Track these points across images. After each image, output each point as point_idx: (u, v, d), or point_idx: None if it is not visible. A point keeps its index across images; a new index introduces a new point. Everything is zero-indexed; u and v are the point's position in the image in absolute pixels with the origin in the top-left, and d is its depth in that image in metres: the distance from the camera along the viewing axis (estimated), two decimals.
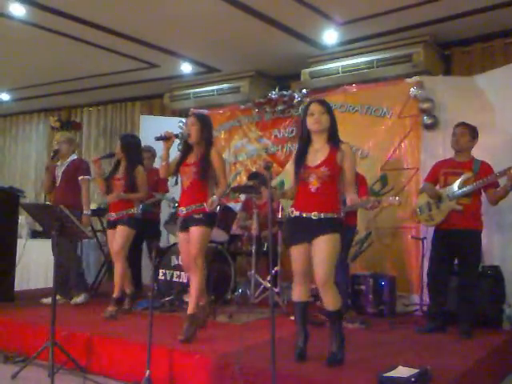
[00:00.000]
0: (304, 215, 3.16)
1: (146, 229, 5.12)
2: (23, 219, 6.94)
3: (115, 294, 4.57)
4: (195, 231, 3.76)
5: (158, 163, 5.06)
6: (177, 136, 3.88)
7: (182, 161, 3.89)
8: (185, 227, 3.84)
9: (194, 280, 3.78)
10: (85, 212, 5.03)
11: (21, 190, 5.66)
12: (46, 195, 4.97)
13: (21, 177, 9.81)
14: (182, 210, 3.83)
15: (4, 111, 9.95)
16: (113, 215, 4.63)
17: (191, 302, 3.77)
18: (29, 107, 9.59)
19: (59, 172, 5.22)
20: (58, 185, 5.20)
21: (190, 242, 3.79)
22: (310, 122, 3.23)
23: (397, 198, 3.94)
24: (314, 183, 3.16)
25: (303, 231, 3.16)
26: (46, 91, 8.37)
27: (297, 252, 3.22)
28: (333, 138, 3.25)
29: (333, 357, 3.10)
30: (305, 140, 3.30)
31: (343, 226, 3.25)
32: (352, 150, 3.35)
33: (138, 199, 4.71)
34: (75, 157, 5.34)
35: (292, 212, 3.22)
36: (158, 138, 3.84)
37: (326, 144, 3.24)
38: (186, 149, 3.92)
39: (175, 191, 5.14)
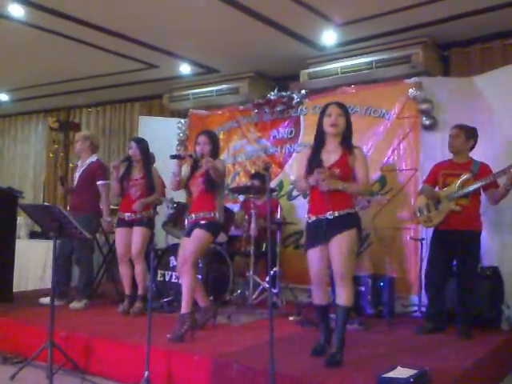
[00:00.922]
0: (321, 217, 3.20)
1: None
2: (22, 220, 6.95)
3: (140, 292, 4.68)
4: (195, 233, 3.88)
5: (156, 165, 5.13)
6: (191, 156, 4.01)
7: (191, 176, 4.05)
8: (189, 232, 3.95)
9: (184, 279, 3.83)
10: (107, 219, 5.05)
11: (19, 190, 5.65)
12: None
13: (19, 177, 9.81)
14: (192, 217, 3.99)
15: (3, 112, 9.95)
16: (128, 215, 4.67)
17: (183, 301, 3.82)
18: (28, 108, 9.59)
19: (77, 174, 5.21)
20: (75, 186, 5.18)
21: (188, 243, 3.88)
22: (327, 124, 3.29)
23: (386, 196, 3.96)
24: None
25: (321, 233, 3.19)
26: (44, 92, 8.37)
27: (313, 254, 3.24)
28: (346, 141, 3.30)
29: (331, 358, 3.11)
30: (319, 141, 3.36)
31: (359, 221, 3.30)
32: (363, 154, 3.38)
33: (157, 199, 4.86)
34: (94, 159, 5.25)
35: (309, 218, 3.28)
36: (173, 157, 3.99)
37: (339, 146, 3.29)
38: (194, 163, 4.07)
39: (176, 194, 5.15)
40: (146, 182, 4.71)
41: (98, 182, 5.10)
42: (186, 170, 4.16)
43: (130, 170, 4.79)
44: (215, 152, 4.09)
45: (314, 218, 3.25)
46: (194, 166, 4.07)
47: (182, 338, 3.62)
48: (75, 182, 5.21)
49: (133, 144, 4.78)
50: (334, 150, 3.29)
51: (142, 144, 4.79)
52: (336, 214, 3.16)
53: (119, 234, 4.76)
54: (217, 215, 3.93)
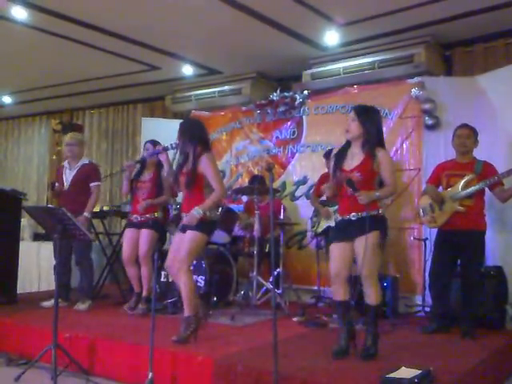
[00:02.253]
0: (346, 218, 3.30)
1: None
2: (25, 222, 6.96)
3: (145, 293, 4.70)
4: (188, 234, 3.75)
5: None
6: (166, 149, 4.09)
7: (178, 172, 3.92)
8: (182, 230, 3.84)
9: (182, 282, 3.71)
10: (86, 214, 4.98)
11: (23, 192, 5.65)
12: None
13: (23, 179, 9.83)
14: (184, 216, 3.89)
15: (6, 114, 9.98)
16: (135, 217, 4.72)
17: (184, 304, 3.74)
18: (31, 110, 9.61)
19: (69, 175, 5.16)
20: (66, 188, 5.12)
21: (181, 245, 3.76)
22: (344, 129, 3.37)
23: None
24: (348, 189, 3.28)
25: (345, 231, 3.29)
26: (47, 94, 8.39)
27: (336, 249, 3.32)
28: (367, 145, 3.31)
29: (366, 351, 3.20)
30: (345, 143, 3.42)
31: (385, 222, 3.38)
32: (388, 155, 3.40)
33: (165, 202, 4.85)
34: (87, 161, 5.26)
35: (337, 218, 3.41)
36: (150, 155, 4.27)
37: (361, 150, 3.32)
38: (183, 158, 3.93)
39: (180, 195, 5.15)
40: (155, 184, 4.73)
41: (92, 184, 5.09)
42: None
43: (141, 171, 4.82)
44: (186, 140, 3.83)
45: (340, 218, 3.35)
46: (181, 164, 3.91)
47: (186, 340, 3.59)
48: (66, 184, 5.13)
49: (149, 146, 4.78)
50: (357, 153, 3.34)
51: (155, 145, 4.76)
52: (359, 215, 3.24)
53: (127, 236, 4.80)
54: (207, 213, 3.75)
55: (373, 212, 3.23)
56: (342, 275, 3.30)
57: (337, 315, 3.46)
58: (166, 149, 4.10)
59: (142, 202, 4.68)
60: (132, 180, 4.79)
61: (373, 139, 3.31)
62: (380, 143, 3.35)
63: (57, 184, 5.21)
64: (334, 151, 3.51)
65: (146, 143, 4.95)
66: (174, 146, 4.00)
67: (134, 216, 4.74)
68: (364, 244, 3.16)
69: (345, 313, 3.36)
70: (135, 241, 4.72)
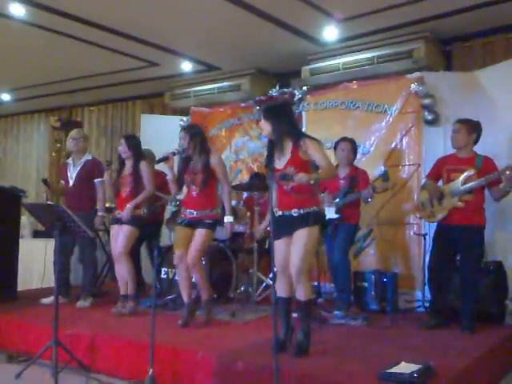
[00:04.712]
0: (287, 213, 3.28)
1: (146, 229, 5.09)
2: (25, 219, 6.96)
3: (130, 291, 4.61)
4: (202, 232, 4.05)
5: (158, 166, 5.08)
6: (174, 154, 4.16)
7: (183, 171, 4.15)
8: (189, 225, 4.10)
9: (199, 275, 4.10)
10: (100, 213, 5.03)
11: (22, 189, 5.65)
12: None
13: (22, 177, 9.82)
14: (192, 213, 4.09)
15: (5, 111, 9.97)
16: (118, 213, 4.65)
17: (204, 289, 4.14)
18: (30, 107, 9.60)
19: (73, 172, 5.16)
20: (71, 185, 5.13)
21: (193, 241, 4.05)
22: None
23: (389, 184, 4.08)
24: (286, 182, 3.24)
25: (286, 227, 3.27)
26: (46, 91, 8.38)
27: (279, 245, 3.30)
28: (289, 137, 3.29)
29: (298, 346, 3.21)
30: (268, 143, 3.45)
31: (323, 219, 3.36)
32: (313, 140, 3.31)
33: (146, 198, 4.70)
34: (90, 157, 5.27)
35: (276, 212, 3.32)
36: (158, 161, 4.22)
37: (288, 142, 3.31)
38: (186, 160, 4.17)
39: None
40: (134, 178, 4.64)
41: (97, 180, 5.09)
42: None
43: (122, 168, 4.77)
44: (194, 142, 4.11)
45: (279, 212, 3.31)
46: (186, 161, 4.15)
47: (210, 322, 3.98)
48: (71, 181, 5.14)
49: (122, 141, 4.75)
50: (281, 149, 3.32)
51: (131, 140, 4.73)
52: (301, 211, 3.23)
53: (113, 233, 4.74)
54: (219, 212, 4.02)
55: (314, 208, 3.23)
56: (288, 271, 3.28)
57: (279, 310, 3.39)
58: (174, 153, 4.16)
59: (125, 209, 4.55)
60: (116, 180, 4.73)
61: (284, 131, 3.29)
62: (299, 134, 3.34)
63: (62, 181, 5.25)
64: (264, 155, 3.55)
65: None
66: (180, 150, 4.15)
67: (118, 211, 4.67)
68: (299, 238, 3.19)
69: (287, 308, 3.38)
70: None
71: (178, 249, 4.10)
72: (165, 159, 4.14)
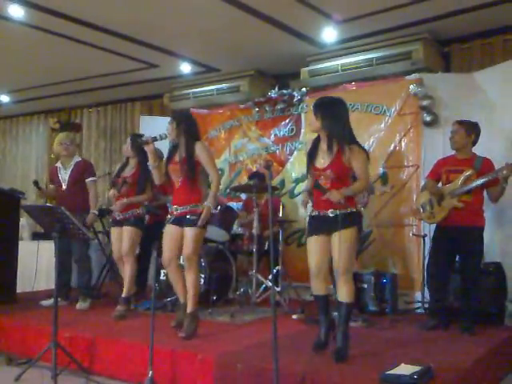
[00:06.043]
0: (322, 213, 3.26)
1: (155, 231, 4.98)
2: (24, 221, 6.95)
3: (124, 294, 4.59)
4: (189, 232, 3.76)
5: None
6: (155, 139, 3.90)
7: (168, 161, 3.93)
8: (176, 223, 3.84)
9: (190, 278, 3.79)
10: (93, 211, 5.04)
11: (21, 191, 5.65)
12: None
13: (21, 178, 9.80)
14: (176, 209, 3.85)
15: (4, 113, 9.95)
16: (119, 214, 4.65)
17: (189, 299, 3.80)
18: (29, 109, 9.59)
19: (64, 175, 5.15)
20: (65, 188, 5.11)
21: (184, 243, 3.79)
22: None
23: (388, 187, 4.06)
24: (324, 183, 3.25)
25: (322, 225, 3.25)
26: (45, 93, 8.37)
27: (314, 242, 3.29)
28: (335, 139, 3.23)
29: (337, 353, 3.13)
30: (315, 139, 3.38)
31: (360, 218, 3.38)
32: (360, 149, 3.28)
33: (145, 200, 4.72)
34: (79, 158, 5.29)
35: (312, 211, 3.34)
36: (138, 145, 4.11)
37: (331, 145, 3.24)
38: (172, 148, 3.96)
39: None
40: (136, 181, 4.62)
41: (88, 179, 5.10)
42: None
43: (124, 167, 4.77)
44: (183, 128, 3.86)
45: (316, 212, 3.30)
46: (171, 150, 3.94)
47: (194, 335, 3.67)
48: (64, 184, 5.12)
49: (127, 140, 4.78)
50: (325, 150, 3.26)
51: (135, 140, 4.64)
52: (337, 212, 3.19)
53: (113, 234, 4.75)
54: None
55: (350, 209, 3.22)
56: (323, 269, 3.29)
57: (320, 308, 3.41)
58: (154, 139, 3.89)
59: (117, 202, 4.59)
60: (114, 176, 4.74)
61: (340, 132, 3.21)
62: (347, 138, 3.22)
63: (51, 185, 5.25)
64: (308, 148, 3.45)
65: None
66: (163, 136, 3.92)
67: (117, 213, 4.67)
68: (339, 239, 3.15)
69: (328, 305, 3.37)
70: (120, 239, 4.66)
71: (165, 252, 3.87)
72: (144, 143, 3.91)
